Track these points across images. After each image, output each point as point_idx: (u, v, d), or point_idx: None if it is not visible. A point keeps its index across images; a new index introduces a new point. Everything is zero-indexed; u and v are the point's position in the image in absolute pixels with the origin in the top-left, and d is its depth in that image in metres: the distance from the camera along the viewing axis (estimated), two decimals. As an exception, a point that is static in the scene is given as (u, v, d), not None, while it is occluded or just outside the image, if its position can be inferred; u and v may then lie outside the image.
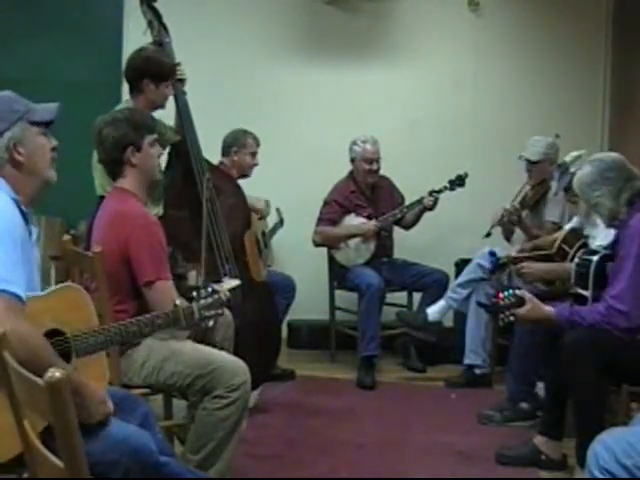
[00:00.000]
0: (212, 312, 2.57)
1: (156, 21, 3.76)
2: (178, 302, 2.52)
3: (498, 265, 4.17)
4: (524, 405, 3.82)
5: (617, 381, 3.00)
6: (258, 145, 4.53)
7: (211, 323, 2.59)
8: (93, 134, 2.84)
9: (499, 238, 4.60)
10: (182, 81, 3.80)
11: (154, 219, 2.80)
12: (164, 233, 2.83)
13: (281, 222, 5.01)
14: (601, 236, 3.62)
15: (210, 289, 2.59)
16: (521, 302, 3.03)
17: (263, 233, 4.67)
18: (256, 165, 4.52)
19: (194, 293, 2.57)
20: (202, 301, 2.55)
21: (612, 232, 3.34)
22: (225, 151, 4.49)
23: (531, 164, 4.40)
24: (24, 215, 2.07)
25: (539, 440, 3.28)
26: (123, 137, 2.77)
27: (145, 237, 2.70)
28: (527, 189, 4.45)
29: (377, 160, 4.82)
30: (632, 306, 2.86)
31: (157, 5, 3.80)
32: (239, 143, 4.47)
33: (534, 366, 3.67)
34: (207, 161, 3.86)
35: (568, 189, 4.02)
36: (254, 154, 4.51)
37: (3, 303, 1.87)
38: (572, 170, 3.90)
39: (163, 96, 3.56)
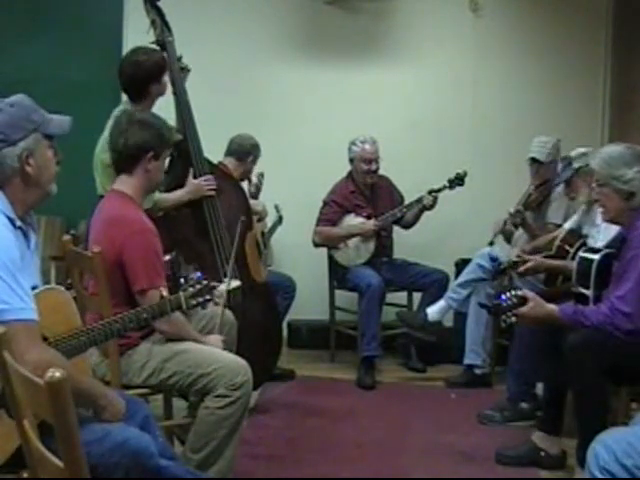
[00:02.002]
0: (200, 299, 2.57)
1: (159, 20, 3.75)
2: (165, 293, 2.52)
3: (499, 270, 4.15)
4: (524, 405, 3.82)
5: (618, 382, 2.99)
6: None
7: (201, 310, 2.60)
8: (116, 125, 2.82)
9: (499, 239, 4.61)
10: (186, 72, 3.81)
11: (150, 226, 2.78)
12: (165, 233, 2.84)
13: (280, 219, 5.01)
14: (602, 235, 3.61)
15: (198, 275, 2.59)
16: (523, 302, 3.02)
17: (262, 234, 4.67)
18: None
19: (181, 280, 2.57)
20: (190, 289, 2.55)
21: (612, 230, 3.34)
22: (239, 155, 4.49)
23: (540, 165, 4.39)
24: (21, 229, 2.06)
25: (537, 436, 3.29)
26: (149, 140, 2.78)
27: (140, 244, 2.70)
28: (531, 189, 4.45)
29: (376, 160, 4.81)
30: (636, 308, 2.85)
31: (159, 4, 3.80)
32: (258, 154, 4.56)
33: (534, 366, 3.66)
34: (208, 160, 3.86)
35: (569, 183, 4.00)
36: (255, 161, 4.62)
37: (23, 332, 1.88)
38: (575, 166, 3.88)
39: (165, 85, 3.60)
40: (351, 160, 4.86)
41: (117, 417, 2.10)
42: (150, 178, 2.83)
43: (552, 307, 3.01)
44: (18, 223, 2.05)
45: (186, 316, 2.82)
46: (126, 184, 2.83)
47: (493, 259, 4.34)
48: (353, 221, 4.83)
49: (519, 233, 4.51)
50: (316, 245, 4.88)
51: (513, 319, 3.05)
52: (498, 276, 4.27)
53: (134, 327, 2.48)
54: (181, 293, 2.54)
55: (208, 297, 2.60)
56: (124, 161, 2.84)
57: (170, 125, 3.18)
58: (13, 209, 2.05)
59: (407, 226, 4.93)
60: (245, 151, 4.50)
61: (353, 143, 4.83)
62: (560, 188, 4.37)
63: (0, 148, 2.02)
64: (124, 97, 3.76)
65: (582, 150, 3.96)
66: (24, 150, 2.05)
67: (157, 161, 2.82)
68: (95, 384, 2.20)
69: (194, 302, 2.56)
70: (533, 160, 4.40)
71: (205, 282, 2.59)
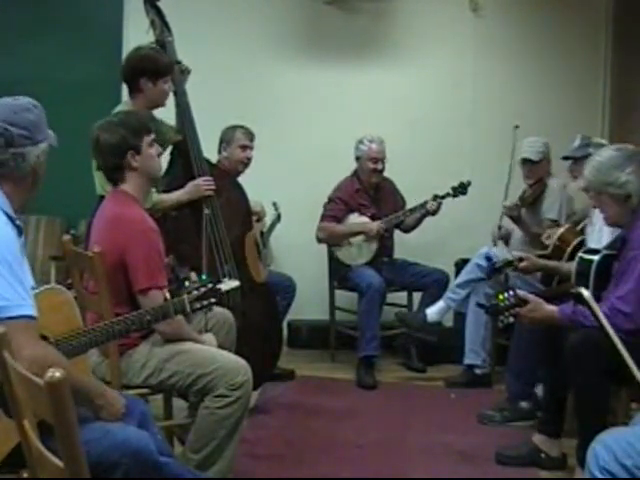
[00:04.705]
0: (205, 302, 2.54)
1: (159, 20, 3.75)
2: (168, 296, 2.51)
3: (494, 269, 4.14)
4: (524, 405, 3.82)
5: (619, 382, 2.99)
6: (251, 139, 4.40)
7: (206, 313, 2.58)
8: (91, 142, 2.80)
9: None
10: (186, 73, 3.80)
11: (153, 225, 2.77)
12: (164, 233, 2.83)
13: (278, 217, 4.97)
14: (596, 235, 3.61)
15: (204, 276, 2.58)
16: (523, 302, 3.02)
17: (261, 233, 4.66)
18: (249, 159, 4.39)
19: (186, 283, 2.55)
20: (194, 292, 2.53)
21: (608, 231, 3.34)
22: (218, 149, 4.46)
23: (532, 164, 4.41)
24: (17, 228, 2.06)
25: (538, 438, 3.29)
26: (122, 142, 2.75)
27: (143, 244, 2.70)
28: (524, 187, 4.47)
29: (382, 160, 4.81)
30: (636, 308, 2.85)
31: (158, 4, 3.79)
32: (227, 138, 4.38)
33: (533, 365, 3.67)
34: (208, 161, 3.86)
35: (578, 159, 3.97)
36: (245, 147, 4.37)
37: (20, 328, 1.88)
38: (591, 151, 3.84)
39: (162, 93, 3.53)
40: (357, 158, 4.86)
41: (116, 417, 2.10)
42: (142, 172, 2.81)
43: (552, 308, 3.02)
44: (17, 222, 2.05)
45: (186, 317, 2.82)
46: (126, 185, 2.82)
47: (488, 259, 4.34)
48: (357, 220, 4.83)
49: (517, 235, 4.52)
50: (319, 241, 4.87)
51: (510, 319, 3.05)
52: (493, 275, 4.27)
53: (136, 329, 2.47)
54: (185, 296, 2.51)
55: (213, 300, 2.56)
56: (111, 174, 2.84)
57: (144, 111, 3.15)
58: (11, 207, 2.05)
59: (407, 230, 4.94)
60: (219, 143, 4.42)
61: (360, 142, 4.83)
62: (555, 183, 4.40)
63: (25, 145, 2.03)
64: (124, 97, 3.76)
65: (602, 141, 3.96)
66: (42, 152, 2.07)
67: (140, 154, 2.78)
68: (93, 384, 2.19)
69: (198, 305, 2.53)
70: (525, 160, 4.43)
71: (210, 285, 2.56)
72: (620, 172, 2.94)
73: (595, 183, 3.02)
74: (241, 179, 4.27)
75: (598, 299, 3.04)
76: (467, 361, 4.46)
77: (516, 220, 4.39)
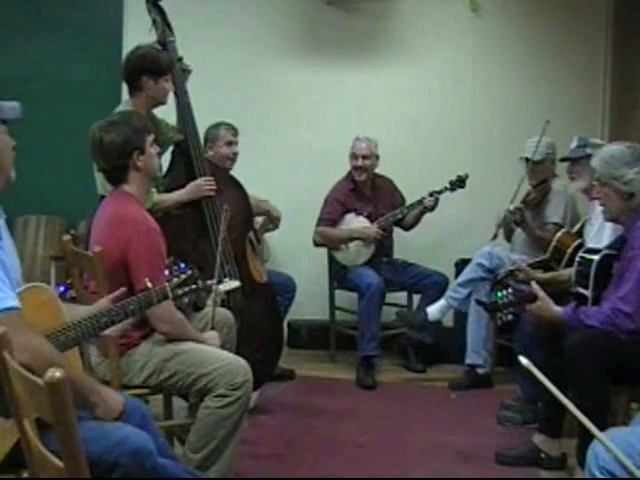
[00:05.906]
0: (187, 288, 2.52)
1: (161, 20, 3.75)
2: (149, 284, 2.49)
3: (496, 281, 4.12)
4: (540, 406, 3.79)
5: (619, 382, 2.99)
6: (235, 134, 4.41)
7: (186, 300, 2.56)
8: (91, 143, 2.78)
9: (500, 238, 4.60)
10: (187, 72, 3.80)
11: (154, 225, 2.78)
12: (165, 233, 2.83)
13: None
14: (594, 235, 3.61)
15: (182, 266, 2.55)
16: (532, 298, 3.02)
17: (254, 230, 4.63)
18: (235, 154, 4.38)
19: (166, 272, 2.53)
20: (175, 279, 2.51)
21: (605, 232, 3.34)
22: (204, 149, 4.42)
23: (534, 164, 4.38)
24: None
25: (538, 438, 3.28)
26: (128, 142, 2.75)
27: (144, 244, 2.70)
28: (529, 189, 4.43)
29: (366, 157, 4.79)
30: (637, 308, 2.85)
31: (161, 4, 3.79)
32: (210, 137, 4.38)
33: (542, 366, 3.64)
34: (209, 160, 3.85)
35: (575, 160, 3.96)
36: (230, 143, 4.37)
37: (6, 319, 1.84)
38: (588, 151, 3.83)
39: (163, 91, 3.53)
40: (350, 157, 4.88)
41: (111, 415, 2.07)
42: (145, 172, 2.82)
43: (557, 309, 3.02)
44: None
45: (186, 316, 2.82)
46: (128, 185, 2.83)
47: (491, 270, 4.31)
48: (354, 220, 4.82)
49: (517, 232, 4.51)
50: (316, 245, 4.88)
51: (509, 317, 3.05)
52: (496, 286, 4.24)
53: (121, 320, 2.40)
54: (166, 283, 2.49)
55: (194, 286, 2.54)
56: (114, 175, 2.83)
57: (140, 114, 3.14)
58: None
59: (407, 227, 4.93)
60: (204, 137, 4.39)
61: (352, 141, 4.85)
62: (559, 185, 4.38)
63: None
64: (124, 97, 3.76)
65: (599, 141, 3.94)
66: None
67: (144, 154, 2.79)
68: (86, 380, 2.15)
69: (180, 292, 2.50)
70: (527, 160, 4.39)
71: (190, 272, 2.54)
72: (628, 169, 2.95)
73: (601, 174, 3.02)
74: (240, 179, 4.28)
75: (598, 299, 3.06)
76: (469, 361, 4.45)
77: (519, 224, 4.34)
